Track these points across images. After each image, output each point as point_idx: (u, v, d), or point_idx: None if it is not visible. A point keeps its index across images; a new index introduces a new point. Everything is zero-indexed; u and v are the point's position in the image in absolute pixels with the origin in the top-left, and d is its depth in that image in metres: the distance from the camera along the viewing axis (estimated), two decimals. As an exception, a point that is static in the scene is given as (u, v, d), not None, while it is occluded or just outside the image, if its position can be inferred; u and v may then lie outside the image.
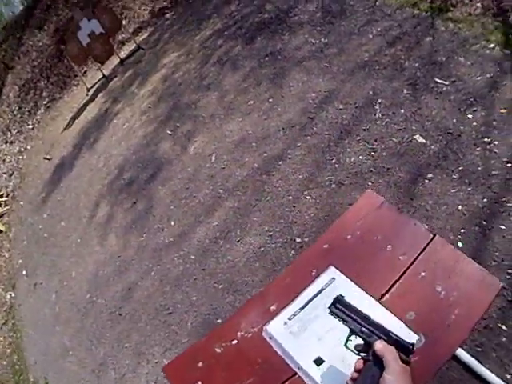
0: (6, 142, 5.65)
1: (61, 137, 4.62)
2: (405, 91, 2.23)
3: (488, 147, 1.89)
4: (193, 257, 2.49)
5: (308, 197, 2.22)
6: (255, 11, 3.68)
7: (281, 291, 1.12)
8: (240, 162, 2.63)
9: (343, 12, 2.90)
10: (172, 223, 2.70)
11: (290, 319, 1.05)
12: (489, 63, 2.17)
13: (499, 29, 2.30)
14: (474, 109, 2.03)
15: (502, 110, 1.99)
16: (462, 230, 1.74)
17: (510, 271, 1.64)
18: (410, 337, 0.91)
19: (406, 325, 0.94)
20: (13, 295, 3.69)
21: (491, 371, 1.58)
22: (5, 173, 5.03)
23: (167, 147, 3.21)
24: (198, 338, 2.27)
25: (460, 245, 1.72)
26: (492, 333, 1.62)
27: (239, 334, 1.11)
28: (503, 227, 1.69)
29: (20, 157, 5.06)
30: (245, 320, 1.13)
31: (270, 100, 2.80)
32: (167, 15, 5.00)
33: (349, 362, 0.87)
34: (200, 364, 1.11)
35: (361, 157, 2.14)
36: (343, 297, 0.88)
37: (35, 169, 4.55)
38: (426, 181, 1.90)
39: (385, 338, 0.79)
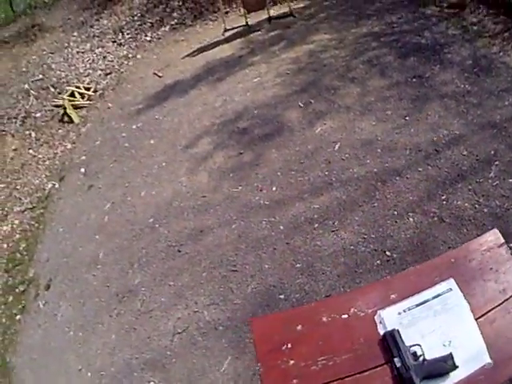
0: (114, 42, 6.78)
1: (180, 61, 5.49)
2: None
3: None
4: (282, 227, 3.04)
5: (411, 219, 2.87)
6: (414, 31, 4.56)
7: (404, 284, 1.56)
8: (361, 161, 3.29)
9: (490, 70, 3.67)
10: (273, 188, 3.28)
11: (404, 311, 1.49)
12: None
13: None
14: None
15: None
16: None
17: None
18: (485, 359, 1.36)
19: (487, 349, 1.38)
20: (56, 186, 4.43)
21: None
22: (102, 69, 6.06)
23: (294, 117, 3.85)
24: (252, 305, 2.77)
25: None
26: None
27: (352, 310, 1.55)
28: None
29: (125, 61, 6.08)
30: (363, 299, 1.57)
31: (407, 118, 3.51)
32: None
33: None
34: (299, 327, 1.53)
35: (466, 204, 2.82)
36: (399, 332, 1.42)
37: (139, 79, 5.48)
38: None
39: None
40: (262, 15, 5.73)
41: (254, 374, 2.46)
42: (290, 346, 1.48)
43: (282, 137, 3.69)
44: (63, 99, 5.49)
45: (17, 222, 4.27)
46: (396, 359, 1.38)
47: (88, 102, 5.53)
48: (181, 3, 7.09)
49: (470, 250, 1.65)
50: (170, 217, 3.44)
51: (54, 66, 6.58)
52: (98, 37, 7.04)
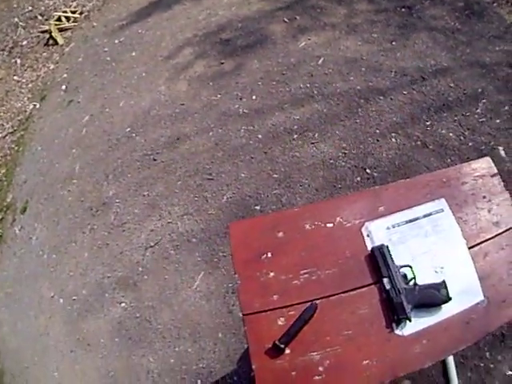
0: (102, -36, 6.13)
1: None
2: (506, 107, 2.65)
3: None
4: (260, 136, 2.72)
5: (393, 140, 2.61)
6: None
7: (393, 197, 1.34)
8: (344, 78, 2.95)
9: (482, 15, 3.29)
10: (253, 97, 2.91)
11: (393, 227, 1.29)
12: None
13: None
14: None
15: None
16: None
17: None
18: (479, 295, 1.19)
19: (481, 283, 1.20)
20: (37, 106, 4.03)
21: None
22: None
23: (278, 31, 3.43)
24: (227, 215, 2.46)
25: None
26: (477, 353, 1.98)
27: (338, 219, 1.30)
28: None
29: None
30: (349, 208, 1.32)
31: (393, 43, 3.13)
32: None
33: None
34: (280, 234, 1.29)
35: (451, 134, 2.58)
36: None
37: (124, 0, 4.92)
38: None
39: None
40: None
41: (227, 292, 2.31)
42: (270, 255, 1.28)
43: (265, 48, 3.28)
44: (49, 24, 4.94)
45: None
46: (385, 280, 1.20)
47: (74, 23, 4.97)
48: None
49: (462, 172, 1.42)
50: (147, 125, 3.09)
51: None
52: None
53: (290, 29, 3.40)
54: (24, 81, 4.57)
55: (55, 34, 4.80)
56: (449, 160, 2.49)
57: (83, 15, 5.05)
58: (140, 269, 2.49)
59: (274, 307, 1.19)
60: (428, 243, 1.27)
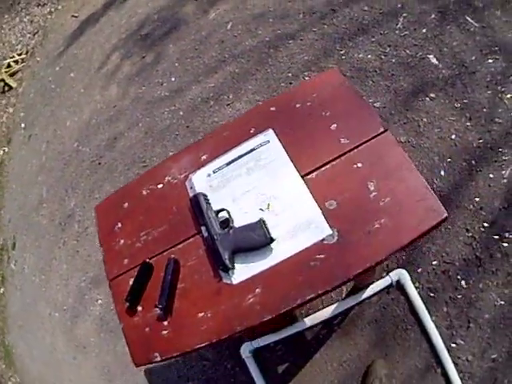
0: (38, 5, 6.49)
1: None
2: (433, 15, 2.58)
3: (499, 95, 2.21)
4: (181, 113, 2.96)
5: (307, 78, 2.68)
6: None
7: (216, 143, 1.34)
8: (253, 33, 3.09)
9: None
10: (172, 79, 3.16)
11: (214, 172, 1.27)
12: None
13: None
14: (496, 57, 2.33)
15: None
16: (449, 160, 2.10)
17: (485, 224, 1.96)
18: (322, 228, 1.05)
19: (323, 214, 1.07)
20: (6, 150, 4.45)
21: (436, 327, 1.89)
22: (29, 32, 5.83)
23: (190, 10, 3.64)
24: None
25: (442, 173, 2.10)
26: (450, 283, 1.95)
27: (167, 178, 1.40)
28: (491, 176, 2.02)
29: (49, 16, 5.81)
30: (176, 165, 1.39)
31: None
32: None
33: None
34: (126, 205, 1.45)
35: (370, 56, 2.54)
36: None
37: (60, 27, 5.22)
38: (427, 99, 2.27)
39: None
40: None
41: None
42: (120, 225, 1.42)
43: (179, 31, 3.51)
44: (0, 73, 5.34)
45: None
46: (203, 228, 1.20)
47: (22, 64, 5.36)
48: None
49: (296, 94, 1.33)
50: (89, 135, 3.42)
51: None
52: (24, 9, 6.70)
53: (200, 5, 3.60)
54: None
55: (8, 80, 5.19)
56: (370, 82, 2.50)
57: (29, 53, 5.45)
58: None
59: (126, 270, 1.32)
60: (251, 180, 1.20)
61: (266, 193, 1.17)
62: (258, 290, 1.09)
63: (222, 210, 1.19)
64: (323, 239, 1.05)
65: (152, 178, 1.43)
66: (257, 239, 1.08)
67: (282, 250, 1.08)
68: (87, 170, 3.21)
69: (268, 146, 1.23)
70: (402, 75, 2.40)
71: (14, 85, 5.13)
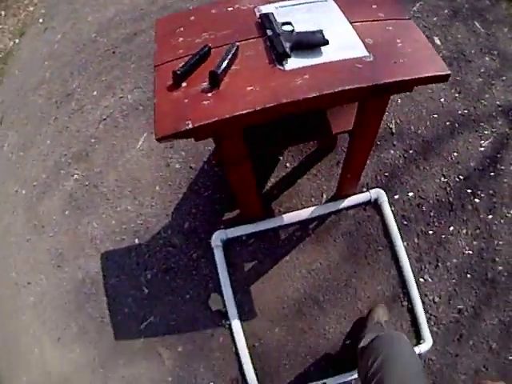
0: None
1: None
2: (446, 11, 3.01)
3: (488, 86, 2.65)
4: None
5: None
6: None
7: None
8: None
9: None
10: None
11: (282, 7, 1.53)
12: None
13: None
14: (493, 58, 2.76)
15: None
16: (435, 115, 2.53)
17: (460, 177, 2.31)
18: (363, 50, 1.35)
19: (364, 44, 1.37)
20: (17, 42, 4.54)
21: (407, 254, 2.07)
22: None
23: None
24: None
25: (428, 124, 2.50)
26: (422, 217, 2.20)
27: (237, 5, 1.61)
28: (470, 141, 2.44)
29: None
30: (247, 1, 1.60)
31: None
32: None
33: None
34: (192, 18, 1.61)
35: None
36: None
37: None
38: None
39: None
40: None
41: (166, 147, 2.65)
42: (182, 29, 1.54)
43: None
44: None
45: None
46: (268, 30, 1.40)
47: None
48: None
49: None
50: (110, 29, 3.55)
51: None
52: None
53: None
54: (6, 27, 5.07)
55: None
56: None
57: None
58: (92, 140, 2.87)
59: (178, 57, 1.44)
60: (311, 17, 1.46)
61: (321, 23, 1.42)
62: (306, 76, 1.30)
63: (288, 22, 1.42)
64: (363, 56, 1.34)
65: (223, 3, 1.61)
66: (315, 38, 1.34)
67: (331, 54, 1.35)
68: (100, 57, 3.32)
69: (325, 3, 1.52)
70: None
71: None
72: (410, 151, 2.43)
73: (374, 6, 1.52)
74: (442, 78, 1.35)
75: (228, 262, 2.17)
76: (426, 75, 1.32)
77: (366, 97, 1.39)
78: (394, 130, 2.51)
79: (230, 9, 1.59)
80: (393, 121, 2.53)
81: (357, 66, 1.32)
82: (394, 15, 1.49)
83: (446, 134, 2.48)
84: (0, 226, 2.80)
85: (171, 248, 2.31)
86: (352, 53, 1.35)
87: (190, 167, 2.56)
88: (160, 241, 2.35)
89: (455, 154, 2.40)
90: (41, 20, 4.47)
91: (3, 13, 5.37)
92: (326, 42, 1.34)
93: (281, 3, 1.54)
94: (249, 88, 1.30)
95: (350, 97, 1.36)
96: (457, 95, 2.61)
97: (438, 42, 2.88)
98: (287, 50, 1.32)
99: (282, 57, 1.33)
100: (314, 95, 1.25)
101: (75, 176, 2.77)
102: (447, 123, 2.51)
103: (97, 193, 2.64)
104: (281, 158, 2.46)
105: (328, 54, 1.35)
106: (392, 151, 2.43)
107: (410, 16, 1.49)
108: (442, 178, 2.32)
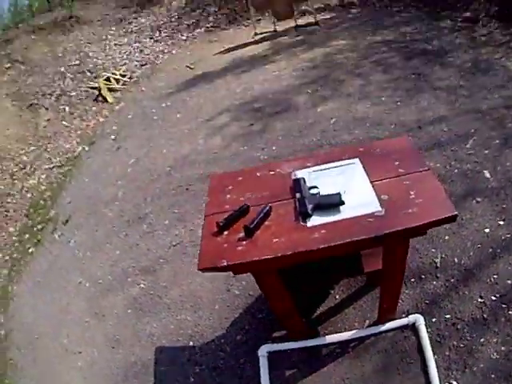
0: (151, 38, 8.92)
1: (211, 57, 7.26)
2: (497, 141, 3.93)
3: None
4: None
5: None
6: (424, 40, 6.14)
7: (319, 158, 2.43)
8: (350, 131, 4.61)
9: (487, 70, 4.93)
10: (273, 148, 4.72)
11: (314, 171, 2.30)
12: None
13: None
14: None
15: None
16: (479, 246, 3.19)
17: (497, 295, 2.86)
18: (376, 206, 1.99)
19: (378, 199, 2.02)
20: (86, 149, 6.06)
21: (437, 366, 2.59)
22: (138, 61, 8.04)
23: (301, 100, 5.40)
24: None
25: (471, 254, 3.14)
26: (457, 334, 2.74)
27: (278, 170, 2.42)
28: (511, 262, 3.08)
29: (160, 55, 8.05)
30: (287, 164, 2.44)
31: (398, 103, 4.81)
32: (352, 10, 7.83)
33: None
34: (240, 178, 2.43)
35: (438, 165, 3.86)
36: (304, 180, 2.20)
37: (172, 70, 7.32)
38: (474, 202, 3.49)
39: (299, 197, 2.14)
40: (290, 23, 7.75)
41: (229, 276, 3.41)
42: (230, 187, 2.40)
43: (289, 114, 5.22)
44: (99, 82, 7.37)
45: (44, 176, 5.93)
46: (297, 193, 2.13)
47: (123, 86, 7.49)
48: (217, 9, 9.30)
49: (377, 144, 2.57)
50: (184, 166, 4.93)
51: (91, 54, 8.56)
52: (135, 33, 9.11)
53: (312, 98, 5.37)
54: (73, 127, 6.75)
55: (105, 92, 7.09)
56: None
57: (132, 80, 7.63)
58: (161, 260, 3.83)
59: (223, 211, 2.20)
60: (335, 179, 2.20)
61: (345, 186, 2.14)
62: (323, 231, 1.93)
63: (314, 186, 2.16)
64: (375, 212, 1.97)
65: (267, 168, 2.46)
66: (333, 199, 2.03)
67: (348, 211, 2.00)
68: (173, 190, 4.61)
69: (353, 166, 2.28)
70: (459, 182, 3.61)
71: (110, 100, 7.06)
72: (452, 280, 2.97)
73: (396, 163, 2.22)
74: (450, 219, 1.92)
75: (270, 368, 2.82)
76: (431, 220, 1.91)
77: (373, 245, 2.04)
78: (438, 264, 3.08)
79: (271, 172, 2.40)
80: (438, 256, 3.12)
81: (368, 220, 1.92)
82: (413, 169, 2.15)
83: (488, 260, 3.03)
84: (58, 304, 3.83)
85: (221, 352, 3.01)
86: (366, 209, 1.97)
87: (249, 294, 3.27)
88: (212, 346, 3.06)
89: (495, 276, 2.94)
90: (113, 137, 6.07)
91: (67, 109, 7.11)
92: (343, 203, 2.00)
93: (314, 168, 2.31)
94: (275, 240, 1.96)
95: (357, 246, 1.98)
96: (501, 223, 3.25)
97: (487, 175, 3.64)
98: (309, 210, 2.00)
99: (304, 216, 2.01)
100: (325, 246, 1.87)
101: (141, 285, 3.69)
102: (490, 250, 3.08)
103: (160, 302, 3.49)
104: (331, 291, 3.15)
105: (345, 212, 1.99)
106: (434, 282, 2.98)
107: (428, 167, 2.18)
108: (479, 299, 2.85)
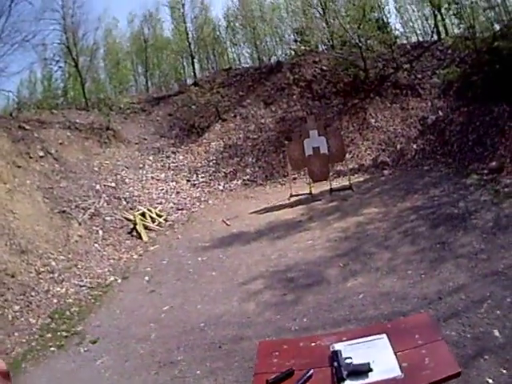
0: (188, 181, 10.20)
1: (247, 216, 8.50)
2: (509, 300, 4.61)
3: None
4: None
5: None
6: (451, 203, 7.11)
7: (351, 335, 3.32)
8: (377, 307, 5.40)
9: (507, 227, 5.78)
10: (304, 319, 5.55)
11: (349, 345, 3.12)
12: None
13: None
14: None
15: None
16: None
17: None
18: (398, 372, 2.79)
19: (400, 367, 2.82)
20: (118, 281, 6.88)
21: None
22: (175, 203, 9.10)
23: (333, 274, 6.36)
24: None
25: None
26: None
27: (318, 342, 3.28)
28: None
29: (197, 203, 9.06)
30: (327, 339, 3.30)
31: (422, 276, 5.74)
32: (385, 171, 9.05)
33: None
34: (285, 346, 3.37)
35: (453, 333, 4.56)
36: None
37: (208, 222, 8.37)
38: (481, 360, 4.12)
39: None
40: (325, 185, 9.02)
41: None
42: (277, 353, 3.16)
43: (320, 287, 6.19)
44: (135, 216, 8.51)
45: (72, 290, 6.85)
46: (335, 362, 2.85)
47: (158, 227, 8.72)
48: (254, 160, 10.77)
49: (404, 321, 3.68)
50: (218, 325, 5.75)
51: (127, 180, 9.84)
52: (172, 170, 10.48)
53: (343, 272, 6.35)
54: (105, 253, 7.69)
55: (140, 228, 8.14)
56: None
57: (167, 223, 9.03)
58: None
59: (270, 372, 2.94)
60: (366, 351, 2.96)
61: (373, 357, 2.90)
62: None
63: (349, 357, 2.87)
64: (397, 376, 2.73)
65: (309, 339, 3.30)
66: (363, 368, 2.79)
67: (375, 376, 2.75)
68: (206, 345, 5.34)
69: (382, 340, 3.06)
70: (470, 345, 4.25)
71: (145, 238, 8.05)
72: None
73: (416, 336, 2.99)
74: (455, 376, 2.74)
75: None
76: (440, 378, 2.70)
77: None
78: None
79: (312, 344, 3.16)
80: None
81: (390, 382, 2.65)
82: (430, 339, 2.94)
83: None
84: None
85: None
86: (389, 375, 2.70)
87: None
88: None
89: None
90: (147, 278, 7.02)
91: (101, 233, 7.98)
92: (371, 370, 2.73)
93: (349, 342, 3.08)
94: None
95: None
96: (504, 371, 3.90)
97: (497, 333, 4.24)
98: (344, 376, 2.69)
99: (340, 380, 2.70)
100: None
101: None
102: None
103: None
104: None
105: (373, 377, 2.72)
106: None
107: (442, 336, 3.03)
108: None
